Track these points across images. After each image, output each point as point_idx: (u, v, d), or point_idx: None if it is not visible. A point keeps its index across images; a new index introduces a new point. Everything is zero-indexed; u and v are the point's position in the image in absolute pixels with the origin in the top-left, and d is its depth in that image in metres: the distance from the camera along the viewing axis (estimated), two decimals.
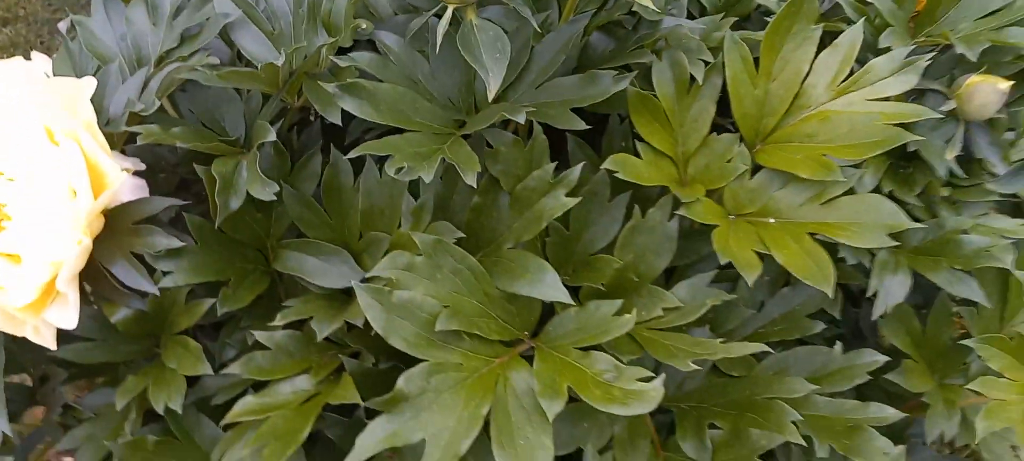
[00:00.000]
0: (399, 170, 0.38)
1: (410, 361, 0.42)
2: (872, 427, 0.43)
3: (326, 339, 0.45)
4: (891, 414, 0.44)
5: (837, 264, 0.43)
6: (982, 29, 0.51)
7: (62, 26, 0.54)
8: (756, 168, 0.45)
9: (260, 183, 0.41)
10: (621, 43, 0.47)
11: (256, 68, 0.45)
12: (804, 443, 0.40)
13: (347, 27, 0.45)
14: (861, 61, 0.47)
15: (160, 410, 0.43)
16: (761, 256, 0.41)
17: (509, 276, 0.42)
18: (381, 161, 0.45)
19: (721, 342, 0.41)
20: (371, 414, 0.42)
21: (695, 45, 0.46)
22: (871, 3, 0.51)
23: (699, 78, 0.44)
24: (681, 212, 0.42)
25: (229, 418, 0.41)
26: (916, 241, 0.50)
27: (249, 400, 0.42)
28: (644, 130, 0.44)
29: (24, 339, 0.44)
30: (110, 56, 0.50)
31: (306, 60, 0.45)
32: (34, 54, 0.51)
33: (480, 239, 0.43)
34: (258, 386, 0.45)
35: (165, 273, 0.43)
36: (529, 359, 0.40)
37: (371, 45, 0.48)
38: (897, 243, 0.43)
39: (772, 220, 0.44)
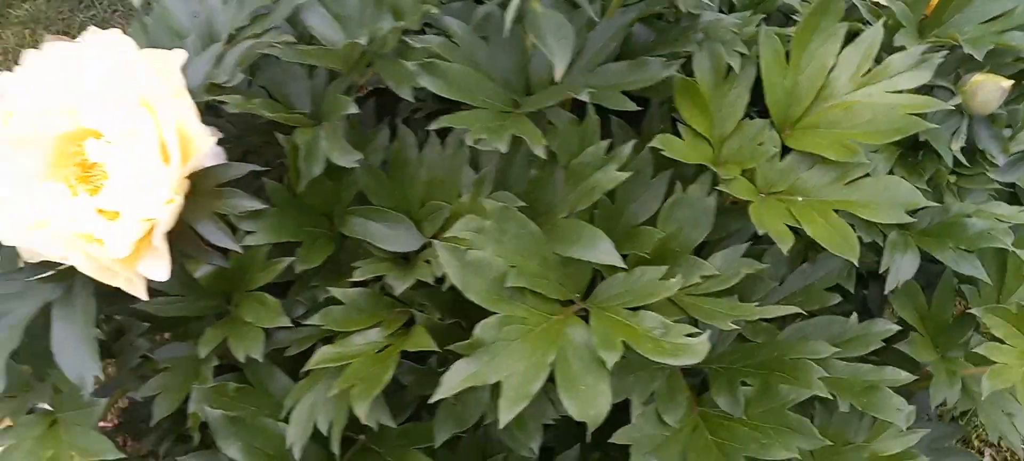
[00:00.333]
0: (478, 141, 0.42)
1: (471, 316, 0.47)
2: (887, 387, 0.48)
3: (391, 297, 0.49)
4: (904, 377, 0.49)
5: None
6: (986, 33, 0.57)
7: (136, 1, 0.57)
8: (784, 151, 0.50)
9: (342, 151, 0.45)
10: (661, 34, 0.51)
11: (324, 47, 0.49)
12: (831, 397, 0.45)
13: (416, 12, 0.49)
14: (876, 59, 0.52)
15: (241, 359, 0.47)
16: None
17: (565, 242, 0.46)
18: (442, 136, 0.50)
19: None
20: (440, 364, 0.46)
21: (731, 38, 0.50)
22: (886, 6, 0.56)
23: (736, 68, 0.49)
24: (721, 188, 0.46)
25: (310, 365, 0.45)
26: (924, 223, 0.55)
27: (327, 350, 0.45)
28: (686, 114, 0.48)
29: (103, 294, 0.48)
30: (184, 32, 0.54)
31: (374, 42, 0.48)
32: (91, 29, 0.55)
33: (536, 209, 0.48)
34: (327, 340, 0.49)
35: (247, 233, 0.47)
36: (582, 317, 0.44)
37: (429, 28, 0.52)
38: (914, 220, 0.47)
39: (800, 198, 0.48)
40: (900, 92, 0.49)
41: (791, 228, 0.46)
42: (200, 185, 0.47)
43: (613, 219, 0.49)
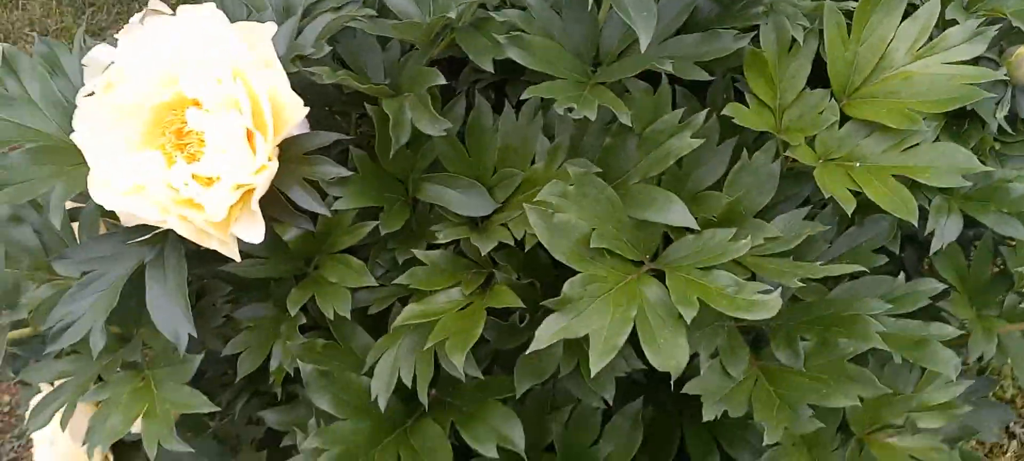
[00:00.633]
0: (568, 110, 0.44)
1: (547, 276, 0.49)
2: (937, 341, 0.51)
3: (468, 258, 0.52)
4: (950, 331, 0.52)
5: None
6: None
7: None
8: (843, 119, 0.53)
9: (430, 120, 0.47)
10: (726, 8, 0.53)
11: (410, 21, 0.51)
12: (887, 349, 0.48)
13: None
14: None
15: (330, 317, 0.49)
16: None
17: (638, 206, 0.48)
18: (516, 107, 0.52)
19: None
20: (520, 320, 0.49)
21: (793, 12, 0.52)
22: None
23: (800, 40, 0.51)
24: (788, 154, 0.49)
25: (400, 321, 0.48)
26: (968, 188, 0.58)
27: (414, 307, 0.48)
28: (753, 84, 0.51)
29: (189, 255, 0.50)
30: (262, 5, 0.55)
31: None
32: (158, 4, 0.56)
33: (610, 175, 0.50)
34: (403, 300, 0.52)
35: (335, 198, 0.49)
36: (655, 277, 0.47)
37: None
38: (971, 183, 0.50)
39: (857, 164, 0.51)
40: (956, 63, 0.51)
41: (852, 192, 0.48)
42: (289, 152, 0.50)
43: (680, 184, 0.52)
